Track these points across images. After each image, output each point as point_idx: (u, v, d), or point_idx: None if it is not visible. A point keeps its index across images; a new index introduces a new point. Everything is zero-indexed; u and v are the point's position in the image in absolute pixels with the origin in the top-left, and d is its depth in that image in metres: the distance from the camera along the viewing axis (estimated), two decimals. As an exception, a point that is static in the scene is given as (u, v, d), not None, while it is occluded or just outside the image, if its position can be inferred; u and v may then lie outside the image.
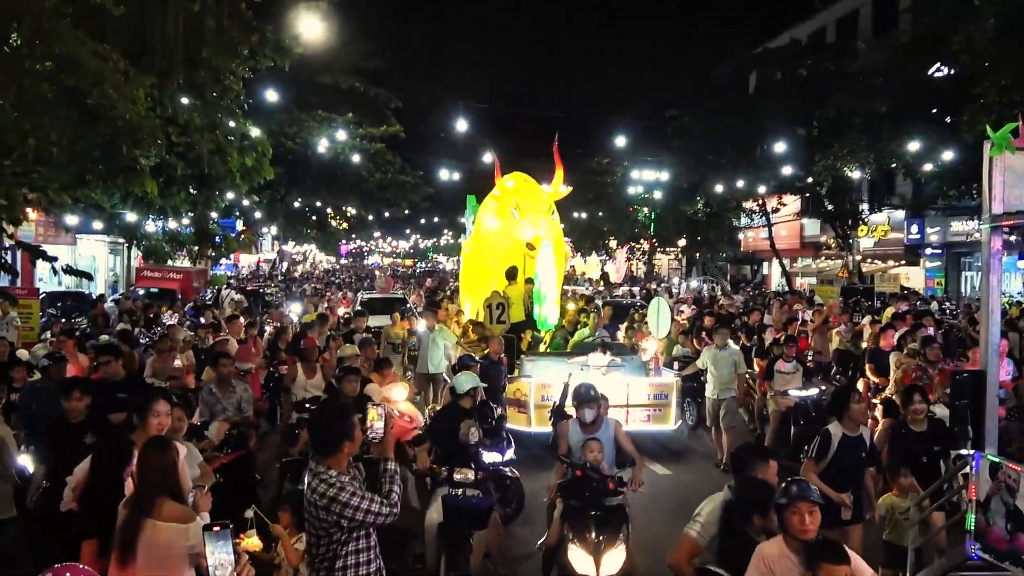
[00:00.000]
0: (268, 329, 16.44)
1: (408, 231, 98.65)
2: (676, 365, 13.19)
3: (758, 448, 7.33)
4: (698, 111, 33.74)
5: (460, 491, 6.42)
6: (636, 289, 33.03)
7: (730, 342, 11.42)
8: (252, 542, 4.99)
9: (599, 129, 41.47)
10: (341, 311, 19.98)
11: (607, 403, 7.15)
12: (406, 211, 44.74)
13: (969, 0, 19.64)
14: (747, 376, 11.67)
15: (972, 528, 5.28)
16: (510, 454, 7.97)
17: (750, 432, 11.99)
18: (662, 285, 39.13)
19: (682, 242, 46.10)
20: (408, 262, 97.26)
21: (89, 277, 14.62)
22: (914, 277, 32.05)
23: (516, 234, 13.72)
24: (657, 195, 42.18)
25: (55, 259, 12.05)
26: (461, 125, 26.50)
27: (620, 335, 15.35)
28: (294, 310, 21.54)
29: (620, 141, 36.39)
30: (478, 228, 15.33)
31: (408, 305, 22.07)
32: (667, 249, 48.90)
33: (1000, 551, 5.15)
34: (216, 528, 3.51)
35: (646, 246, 48.55)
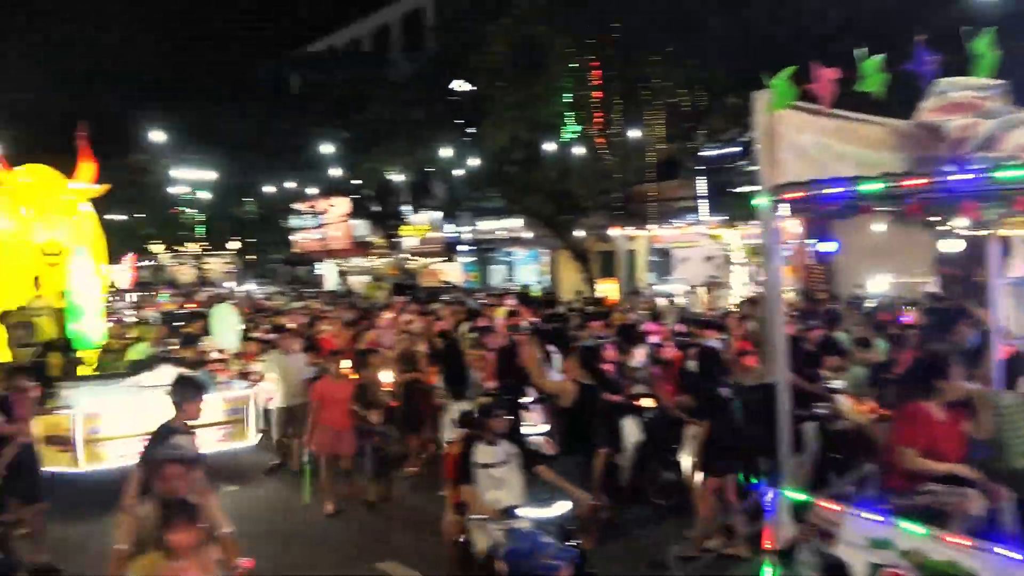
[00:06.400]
0: None
1: None
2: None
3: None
4: (242, 110, 34.63)
5: None
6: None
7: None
8: None
9: (136, 125, 38.35)
10: None
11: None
12: None
13: (483, 26, 21.83)
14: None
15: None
16: None
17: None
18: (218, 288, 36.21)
19: (236, 244, 44.02)
20: None
21: None
22: (453, 272, 34.58)
23: (29, 237, 12.13)
24: (205, 195, 39.91)
25: None
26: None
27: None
28: None
29: (158, 137, 35.18)
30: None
31: None
32: (219, 252, 46.43)
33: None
34: None
35: (197, 249, 45.44)
